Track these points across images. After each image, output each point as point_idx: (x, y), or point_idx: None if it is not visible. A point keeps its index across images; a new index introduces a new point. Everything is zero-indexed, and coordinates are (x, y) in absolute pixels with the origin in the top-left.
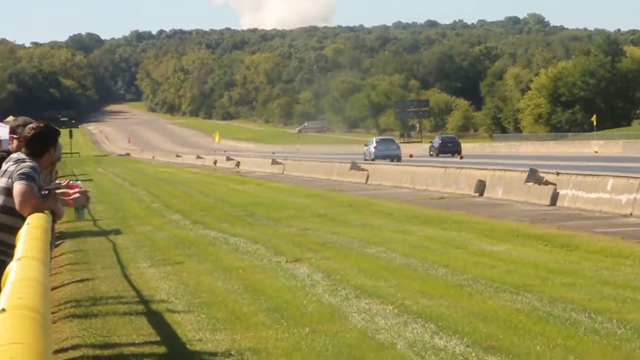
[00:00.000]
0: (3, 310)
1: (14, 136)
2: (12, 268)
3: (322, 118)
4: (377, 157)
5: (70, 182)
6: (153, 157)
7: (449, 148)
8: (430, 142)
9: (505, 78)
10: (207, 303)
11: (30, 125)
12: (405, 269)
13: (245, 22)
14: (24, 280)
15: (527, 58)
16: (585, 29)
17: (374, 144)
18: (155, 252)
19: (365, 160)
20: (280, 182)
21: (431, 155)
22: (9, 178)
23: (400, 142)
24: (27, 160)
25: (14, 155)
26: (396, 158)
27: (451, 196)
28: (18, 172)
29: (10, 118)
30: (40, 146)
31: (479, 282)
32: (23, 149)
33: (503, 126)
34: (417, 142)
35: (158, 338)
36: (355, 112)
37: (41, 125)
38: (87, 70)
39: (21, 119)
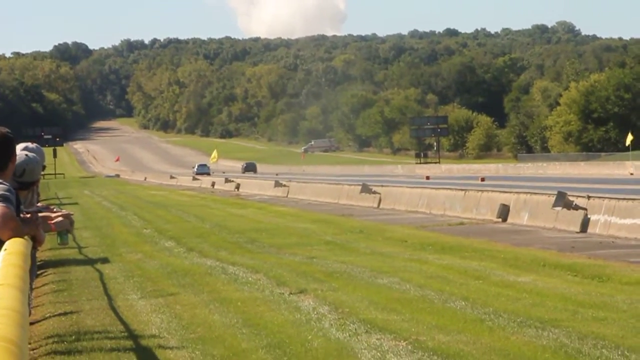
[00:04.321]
0: None
1: None
2: None
3: (331, 136)
4: (197, 173)
5: (54, 208)
6: (145, 179)
7: (250, 168)
8: (242, 165)
9: (531, 92)
10: (202, 338)
11: None
12: (420, 301)
13: (242, 25)
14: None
15: (556, 70)
16: (620, 39)
17: (196, 167)
18: (146, 282)
19: (193, 174)
20: (283, 206)
21: (243, 173)
22: None
23: (416, 163)
24: None
25: None
26: (207, 174)
27: (471, 222)
28: None
29: None
30: (3, 157)
31: (501, 316)
32: None
33: (529, 145)
34: (435, 162)
35: None
36: (366, 130)
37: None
38: (74, 83)
39: None
